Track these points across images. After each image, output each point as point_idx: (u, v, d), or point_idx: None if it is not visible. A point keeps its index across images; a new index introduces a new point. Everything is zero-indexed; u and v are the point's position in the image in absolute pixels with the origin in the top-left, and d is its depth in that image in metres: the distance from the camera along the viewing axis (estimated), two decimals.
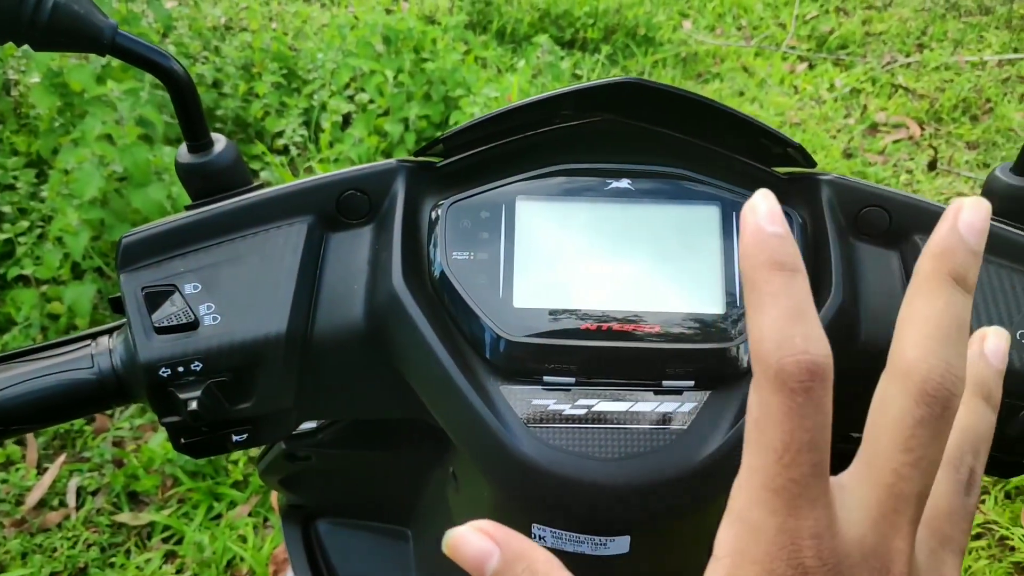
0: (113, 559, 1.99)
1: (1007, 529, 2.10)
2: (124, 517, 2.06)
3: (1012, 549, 2.08)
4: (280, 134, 3.24)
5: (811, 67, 4.08)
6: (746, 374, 0.59)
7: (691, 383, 0.58)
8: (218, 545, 1.98)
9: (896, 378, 0.35)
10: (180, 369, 0.58)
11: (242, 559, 1.97)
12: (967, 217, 0.37)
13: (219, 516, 2.08)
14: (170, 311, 0.59)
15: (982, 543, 2.09)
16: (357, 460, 0.82)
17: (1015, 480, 2.20)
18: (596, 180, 0.63)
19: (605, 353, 0.58)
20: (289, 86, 3.50)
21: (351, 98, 3.33)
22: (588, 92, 0.61)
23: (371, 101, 3.26)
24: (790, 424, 0.33)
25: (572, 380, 0.58)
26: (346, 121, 3.30)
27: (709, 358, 0.59)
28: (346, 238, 0.64)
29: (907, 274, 0.64)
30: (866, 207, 0.64)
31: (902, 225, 0.64)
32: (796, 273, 0.35)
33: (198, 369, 0.58)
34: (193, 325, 0.59)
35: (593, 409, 0.58)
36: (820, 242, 0.63)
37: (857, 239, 0.65)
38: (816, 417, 0.33)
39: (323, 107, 3.29)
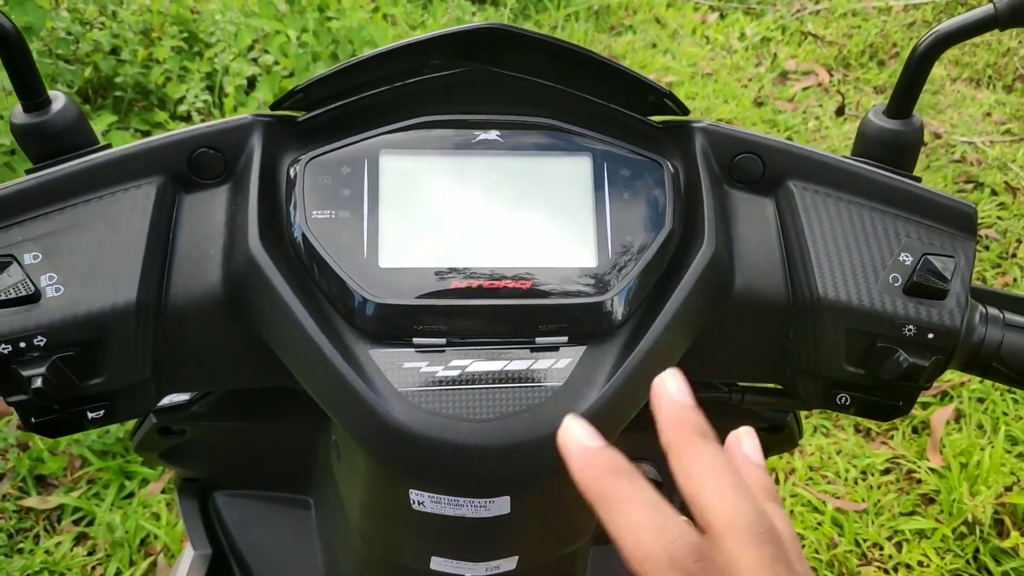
0: (21, 545, 1.93)
1: (913, 463, 2.17)
2: (31, 501, 1.99)
3: (919, 482, 2.14)
4: (182, 100, 3.13)
5: (722, 17, 4.09)
6: (620, 326, 0.58)
7: (565, 339, 0.57)
8: (131, 524, 1.93)
9: (721, 539, 0.37)
10: (21, 345, 0.55)
11: (156, 537, 1.92)
12: (673, 386, 0.42)
13: (131, 495, 2.02)
14: (7, 283, 0.55)
15: (891, 477, 2.16)
16: (240, 431, 0.79)
17: (920, 414, 2.27)
18: (464, 132, 0.60)
19: (476, 311, 0.56)
20: (191, 50, 3.37)
21: (255, 60, 3.23)
22: (448, 38, 0.58)
23: (276, 63, 3.17)
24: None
25: (443, 341, 0.57)
26: (251, 84, 3.20)
27: (583, 312, 0.57)
28: (201, 199, 0.60)
29: (781, 220, 0.63)
30: (739, 154, 0.63)
31: (775, 171, 0.63)
32: (636, 474, 0.39)
33: (41, 344, 0.55)
34: (34, 297, 0.55)
35: (467, 370, 0.56)
36: (693, 191, 0.62)
37: (732, 187, 0.64)
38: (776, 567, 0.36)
39: (226, 71, 3.18)
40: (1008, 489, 2.07)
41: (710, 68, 3.66)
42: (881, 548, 2.03)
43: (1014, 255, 2.72)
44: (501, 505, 0.58)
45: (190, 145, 0.60)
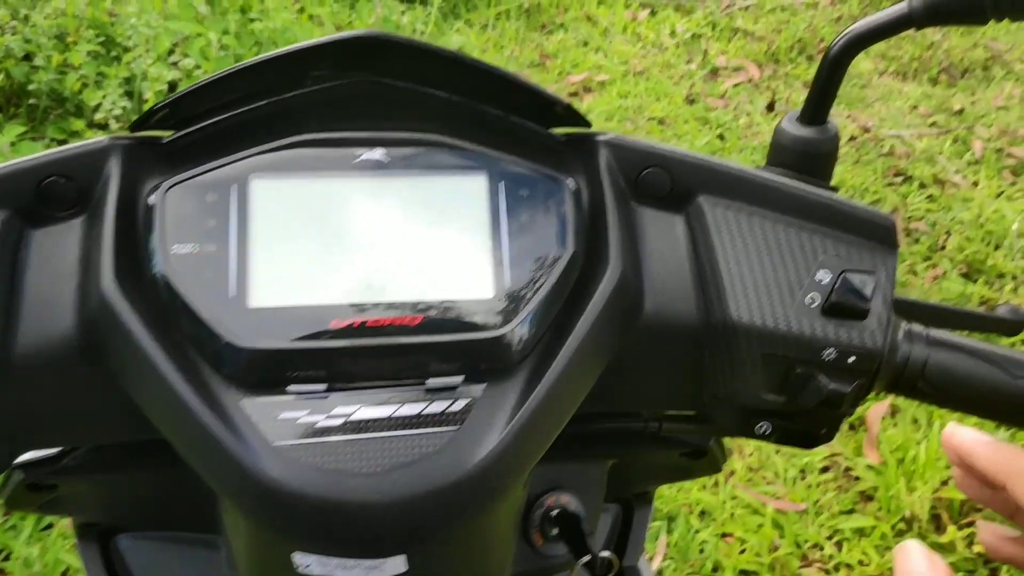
0: None
1: (851, 460, 2.17)
2: None
3: (857, 479, 2.14)
4: (99, 107, 3.02)
5: (653, 14, 4.08)
6: (522, 361, 0.54)
7: (460, 378, 0.52)
8: (49, 557, 1.84)
9: None
10: None
11: (76, 570, 1.83)
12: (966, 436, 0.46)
13: (49, 527, 1.92)
14: None
15: (829, 475, 2.16)
16: (123, 478, 0.73)
17: (858, 411, 2.27)
18: (345, 151, 0.55)
19: (360, 352, 0.51)
20: (108, 55, 3.26)
21: (175, 64, 3.13)
22: (318, 49, 0.53)
23: (197, 67, 3.07)
24: None
25: (324, 387, 0.51)
26: (172, 89, 3.10)
27: (479, 348, 0.52)
28: (52, 234, 0.54)
29: (692, 237, 0.59)
30: (646, 168, 0.59)
31: (684, 186, 0.59)
32: None
33: None
34: None
35: (352, 418, 0.51)
36: (598, 210, 0.57)
37: (639, 203, 0.59)
38: None
39: (144, 76, 3.08)
40: (944, 483, 2.08)
41: (642, 66, 3.64)
42: (821, 548, 2.02)
43: (943, 247, 2.74)
44: (396, 564, 0.53)
45: (37, 174, 0.54)
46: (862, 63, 3.62)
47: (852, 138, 3.21)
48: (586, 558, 0.72)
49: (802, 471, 2.16)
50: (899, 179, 3.01)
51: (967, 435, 0.45)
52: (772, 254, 0.58)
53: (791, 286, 0.57)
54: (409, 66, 0.56)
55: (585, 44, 3.81)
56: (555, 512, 0.75)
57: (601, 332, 0.54)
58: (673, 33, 3.90)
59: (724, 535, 2.03)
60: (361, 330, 0.51)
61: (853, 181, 2.96)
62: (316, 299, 0.52)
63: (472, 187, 0.55)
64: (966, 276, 2.66)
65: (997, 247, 2.72)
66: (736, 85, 3.56)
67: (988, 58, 3.63)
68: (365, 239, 0.54)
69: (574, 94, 3.48)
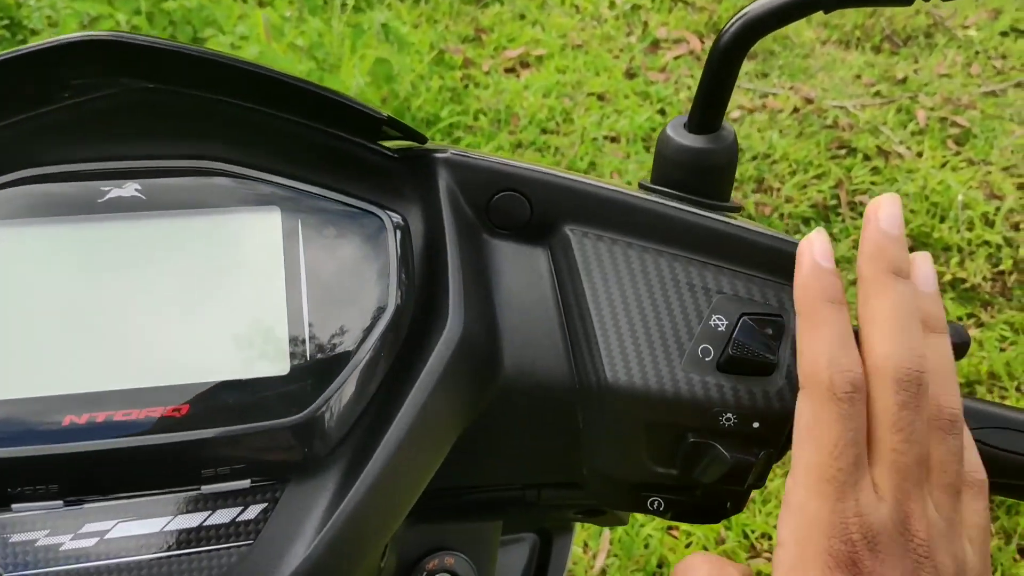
0: None
1: None
2: None
3: None
4: None
5: None
6: (334, 452, 0.42)
7: (245, 483, 0.41)
8: None
9: (874, 376, 0.42)
10: None
11: None
12: (885, 213, 0.45)
13: None
14: None
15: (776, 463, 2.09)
16: None
17: None
18: (89, 187, 0.43)
19: (102, 458, 0.40)
20: (13, 38, 3.07)
21: None
22: (24, 58, 0.40)
23: None
24: (840, 426, 0.41)
25: (59, 504, 0.39)
26: None
27: (271, 442, 0.41)
28: None
29: (558, 277, 0.48)
30: (499, 192, 0.48)
31: (546, 213, 0.48)
32: (842, 306, 0.44)
33: None
34: None
35: (108, 536, 0.40)
36: (436, 248, 0.46)
37: (493, 236, 0.48)
38: (857, 420, 0.41)
39: None
40: None
41: (580, 39, 3.52)
42: (770, 538, 1.95)
43: None
44: None
45: None
46: (804, 32, 3.53)
47: (795, 110, 3.12)
48: None
49: None
50: (843, 152, 2.94)
51: (810, 257, 0.46)
52: (655, 296, 0.47)
53: (679, 337, 0.46)
54: (193, 70, 0.44)
55: (522, 17, 3.67)
56: None
57: (443, 404, 0.44)
58: (612, 5, 3.77)
59: (669, 528, 1.96)
60: (107, 427, 0.40)
61: (796, 155, 2.88)
62: (44, 389, 0.40)
63: (261, 227, 0.43)
64: (911, 250, 2.59)
65: (943, 219, 2.66)
66: (677, 58, 3.45)
67: (930, 24, 3.56)
68: (113, 305, 0.42)
69: (511, 70, 3.35)
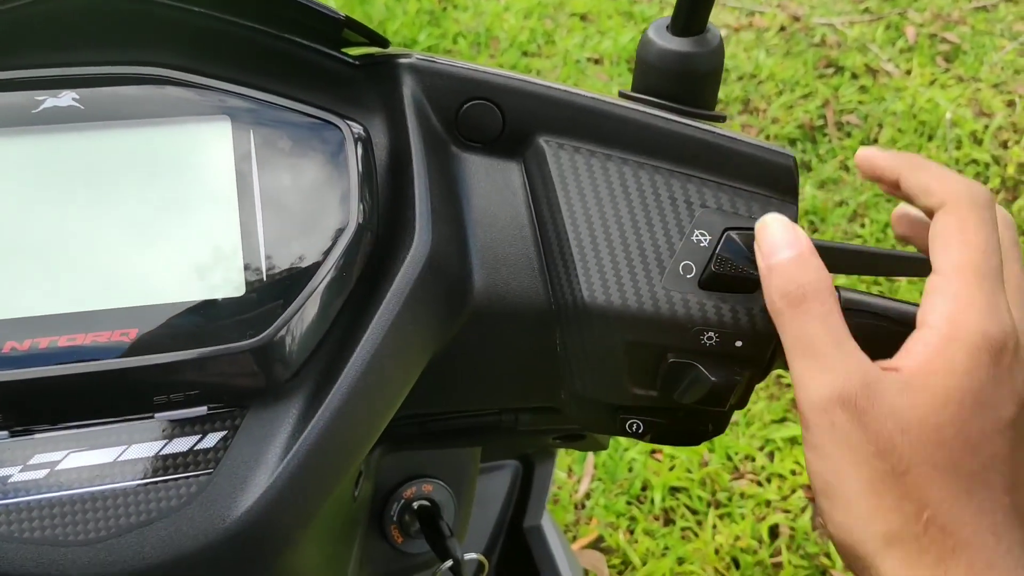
0: None
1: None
2: None
3: (788, 387, 2.09)
4: None
5: None
6: (295, 376, 0.40)
7: (201, 409, 0.39)
8: None
9: (951, 208, 0.44)
10: None
11: None
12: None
13: None
14: None
15: (759, 384, 2.09)
16: None
17: None
18: (21, 97, 0.40)
19: (47, 385, 0.37)
20: None
21: None
22: None
23: None
24: (988, 229, 0.43)
25: (5, 434, 0.37)
26: None
27: (228, 365, 0.39)
28: None
29: (532, 191, 0.45)
30: (468, 101, 0.45)
31: (520, 123, 0.45)
32: None
33: None
34: None
35: (59, 467, 0.38)
36: (401, 161, 0.43)
37: (462, 148, 0.45)
38: (996, 229, 0.43)
39: None
40: None
41: None
42: (753, 460, 1.97)
43: (876, 140, 2.64)
44: None
45: None
46: None
47: (782, 28, 3.06)
48: (449, 563, 0.60)
49: None
50: (830, 70, 2.89)
51: (871, 152, 0.48)
52: (634, 211, 0.44)
53: (659, 253, 0.44)
54: None
55: None
56: (416, 504, 0.64)
57: (411, 326, 0.41)
58: None
59: (652, 452, 1.97)
60: (51, 353, 0.37)
61: (783, 75, 2.83)
62: None
63: (209, 138, 0.40)
64: None
65: (931, 138, 2.64)
66: None
67: None
68: (52, 223, 0.39)
69: None
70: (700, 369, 0.44)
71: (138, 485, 0.38)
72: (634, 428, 0.48)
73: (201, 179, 0.40)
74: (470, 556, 0.63)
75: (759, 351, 0.45)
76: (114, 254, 0.39)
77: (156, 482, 0.38)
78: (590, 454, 1.95)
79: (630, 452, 1.95)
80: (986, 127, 2.65)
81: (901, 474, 0.38)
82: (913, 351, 0.40)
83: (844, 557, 0.41)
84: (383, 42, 0.44)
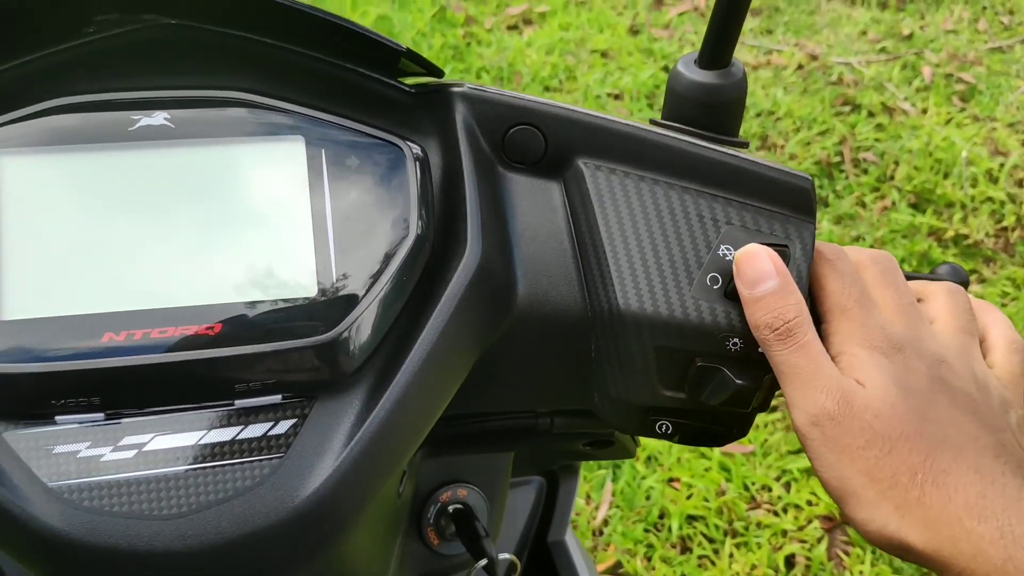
0: None
1: None
2: None
3: None
4: None
5: None
6: (360, 370, 0.44)
7: (277, 397, 0.43)
8: None
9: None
10: None
11: None
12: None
13: None
14: None
15: (777, 415, 2.11)
16: None
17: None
18: (118, 116, 0.44)
19: (142, 373, 0.41)
20: None
21: None
22: None
23: None
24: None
25: (101, 416, 0.41)
26: None
27: (301, 359, 0.43)
28: None
29: (571, 209, 0.50)
30: (514, 127, 0.49)
31: (561, 147, 0.50)
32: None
33: None
34: None
35: (146, 449, 0.42)
36: (453, 180, 0.47)
37: (508, 169, 0.50)
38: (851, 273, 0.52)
39: None
40: None
41: None
42: (770, 490, 1.99)
43: (892, 177, 2.68)
44: None
45: None
46: None
47: (800, 67, 3.11)
48: (483, 562, 0.64)
49: None
50: (847, 108, 2.93)
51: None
52: (665, 227, 0.48)
53: (688, 266, 0.48)
54: (217, 6, 0.46)
55: None
56: (451, 508, 0.67)
57: (461, 328, 0.45)
58: None
59: (671, 480, 1.99)
60: (144, 344, 0.42)
61: (800, 112, 2.88)
62: (85, 307, 0.42)
63: (285, 156, 0.45)
64: (915, 207, 2.61)
65: (946, 175, 2.67)
66: (681, 14, 3.43)
67: None
68: (147, 228, 0.43)
69: (513, 27, 3.34)
70: (726, 373, 0.48)
71: (216, 466, 0.42)
72: (663, 429, 0.51)
73: (278, 192, 0.45)
74: (503, 556, 0.66)
75: None
76: (200, 256, 0.44)
77: (232, 464, 0.42)
78: (608, 481, 1.97)
79: (648, 480, 1.97)
80: (1002, 165, 2.68)
81: (887, 454, 0.45)
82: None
83: (890, 552, 0.46)
84: (438, 72, 0.49)
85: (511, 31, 3.30)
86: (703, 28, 3.22)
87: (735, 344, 0.48)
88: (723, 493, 1.97)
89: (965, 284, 0.61)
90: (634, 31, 3.33)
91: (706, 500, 1.95)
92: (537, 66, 3.06)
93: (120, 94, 0.45)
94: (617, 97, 3.01)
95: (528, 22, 3.36)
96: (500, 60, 3.09)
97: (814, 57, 3.15)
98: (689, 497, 1.95)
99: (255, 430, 0.43)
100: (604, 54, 3.19)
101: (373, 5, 3.05)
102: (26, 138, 0.43)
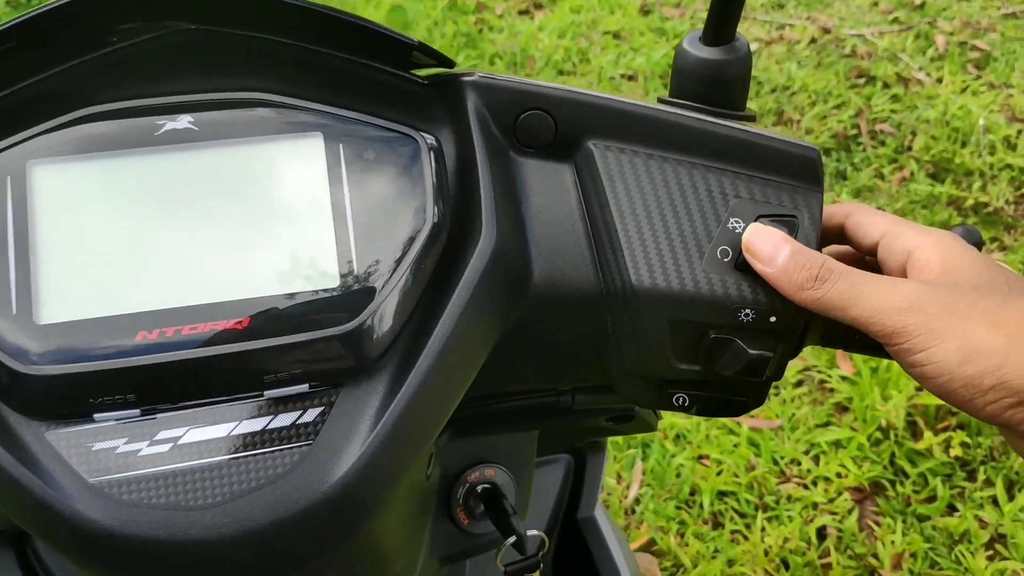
0: None
1: (825, 372, 2.13)
2: None
3: (831, 391, 2.11)
4: None
5: None
6: (383, 357, 0.46)
7: (304, 387, 0.45)
8: None
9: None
10: None
11: None
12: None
13: None
14: None
15: (803, 389, 2.12)
16: None
17: None
18: (144, 122, 0.46)
19: (175, 369, 0.43)
20: None
21: None
22: (74, 6, 0.43)
23: None
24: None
25: (137, 412, 0.43)
26: None
27: (326, 348, 0.45)
28: None
29: (583, 189, 0.51)
30: (524, 112, 0.51)
31: (570, 129, 0.51)
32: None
33: None
34: None
35: (181, 442, 0.44)
36: (467, 167, 0.49)
37: (520, 154, 0.51)
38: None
39: None
40: (919, 390, 2.05)
41: None
42: (799, 463, 1.99)
43: (910, 148, 2.67)
44: None
45: None
46: None
47: (813, 40, 3.10)
48: (512, 539, 0.65)
49: (776, 386, 2.12)
50: (862, 80, 2.92)
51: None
52: (675, 203, 0.50)
53: (698, 240, 0.50)
54: (234, 10, 0.47)
55: None
56: (480, 488, 0.69)
57: (480, 311, 0.47)
58: None
59: (700, 457, 2.00)
60: (175, 341, 0.43)
61: (815, 86, 2.87)
62: (118, 308, 0.44)
63: (305, 153, 0.47)
64: (933, 176, 2.59)
65: (964, 144, 2.65)
66: None
67: None
68: (174, 229, 0.45)
69: (524, 12, 3.34)
70: (739, 343, 0.49)
71: (248, 456, 0.44)
72: (680, 401, 0.53)
73: (299, 188, 0.47)
74: (532, 532, 0.68)
75: (792, 325, 0.50)
76: (226, 253, 0.46)
77: (264, 453, 0.44)
78: (639, 460, 1.98)
79: (677, 458, 1.98)
80: (1020, 132, 2.66)
81: (984, 297, 0.47)
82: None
83: (957, 401, 0.47)
84: (449, 63, 0.51)
85: (522, 16, 3.31)
86: None
87: (747, 315, 0.49)
88: (753, 468, 1.98)
89: (979, 246, 0.62)
90: (645, 11, 3.33)
91: (736, 476, 1.96)
92: (550, 50, 3.07)
93: (145, 100, 0.46)
94: (631, 78, 3.01)
95: (539, 6, 3.37)
96: (513, 46, 3.10)
97: (827, 30, 3.13)
98: (719, 473, 1.97)
99: (285, 419, 0.44)
100: (616, 35, 3.19)
101: None
102: (57, 147, 0.45)
